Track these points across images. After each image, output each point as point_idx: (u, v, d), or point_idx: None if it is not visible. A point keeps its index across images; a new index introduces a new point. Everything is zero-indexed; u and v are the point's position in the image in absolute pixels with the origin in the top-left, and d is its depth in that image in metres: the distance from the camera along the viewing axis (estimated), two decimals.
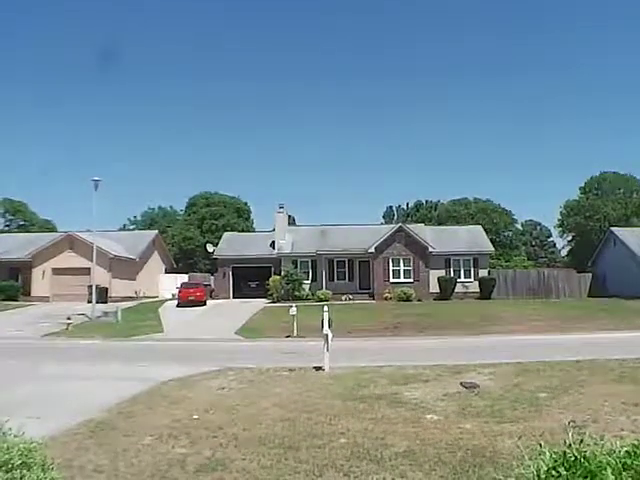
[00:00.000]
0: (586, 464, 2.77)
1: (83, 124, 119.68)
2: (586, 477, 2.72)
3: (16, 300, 40.48)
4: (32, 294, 42.03)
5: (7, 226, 69.66)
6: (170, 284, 48.11)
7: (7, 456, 3.87)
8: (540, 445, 3.12)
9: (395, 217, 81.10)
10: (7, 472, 3.81)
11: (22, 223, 69.90)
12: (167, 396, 11.19)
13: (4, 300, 39.67)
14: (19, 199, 70.96)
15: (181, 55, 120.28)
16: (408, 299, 39.32)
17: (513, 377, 12.43)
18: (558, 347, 18.62)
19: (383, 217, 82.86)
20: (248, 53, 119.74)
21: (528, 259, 71.05)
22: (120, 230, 63.82)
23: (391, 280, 41.88)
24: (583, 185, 68.30)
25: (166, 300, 43.10)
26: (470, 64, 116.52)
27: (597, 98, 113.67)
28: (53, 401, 11.00)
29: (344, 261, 43.91)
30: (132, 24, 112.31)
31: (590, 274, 45.27)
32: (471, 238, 45.97)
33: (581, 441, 3.02)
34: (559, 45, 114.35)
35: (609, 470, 2.72)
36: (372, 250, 41.88)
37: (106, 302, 37.47)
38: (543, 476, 2.80)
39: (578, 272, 46.30)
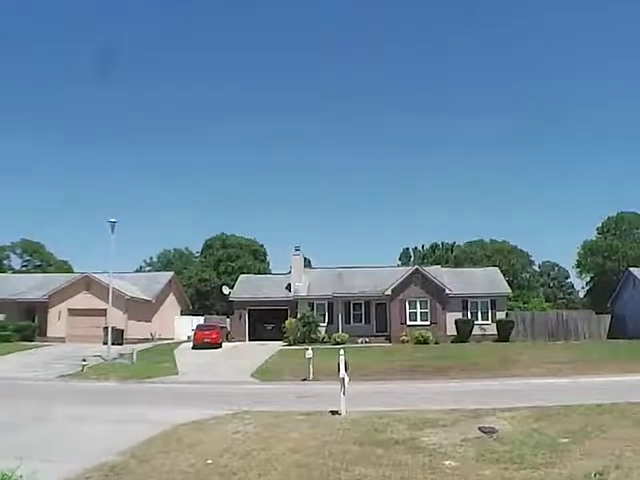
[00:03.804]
0: None
1: (99, 167, 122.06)
2: None
3: (32, 340, 40.68)
4: (48, 334, 42.21)
5: (24, 266, 70.61)
6: (186, 326, 48.11)
7: None
8: None
9: (412, 259, 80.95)
10: None
11: (39, 263, 70.88)
12: (181, 440, 11.07)
13: (20, 340, 39.92)
14: (36, 240, 72.22)
15: (197, 93, 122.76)
16: (425, 342, 38.93)
17: (533, 421, 12.17)
18: (578, 390, 18.28)
19: (399, 259, 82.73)
20: (259, 92, 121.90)
21: (546, 300, 70.40)
22: (136, 271, 64.33)
23: (408, 322, 41.59)
24: (600, 225, 67.98)
25: (182, 342, 43.03)
26: (477, 104, 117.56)
27: (614, 138, 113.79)
28: (67, 444, 10.93)
29: (360, 303, 43.73)
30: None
31: (609, 315, 44.57)
32: (488, 280, 45.67)
33: None
34: (568, 87, 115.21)
35: None
36: (389, 292, 41.73)
37: (122, 344, 37.52)
38: None
39: (597, 313, 45.61)
